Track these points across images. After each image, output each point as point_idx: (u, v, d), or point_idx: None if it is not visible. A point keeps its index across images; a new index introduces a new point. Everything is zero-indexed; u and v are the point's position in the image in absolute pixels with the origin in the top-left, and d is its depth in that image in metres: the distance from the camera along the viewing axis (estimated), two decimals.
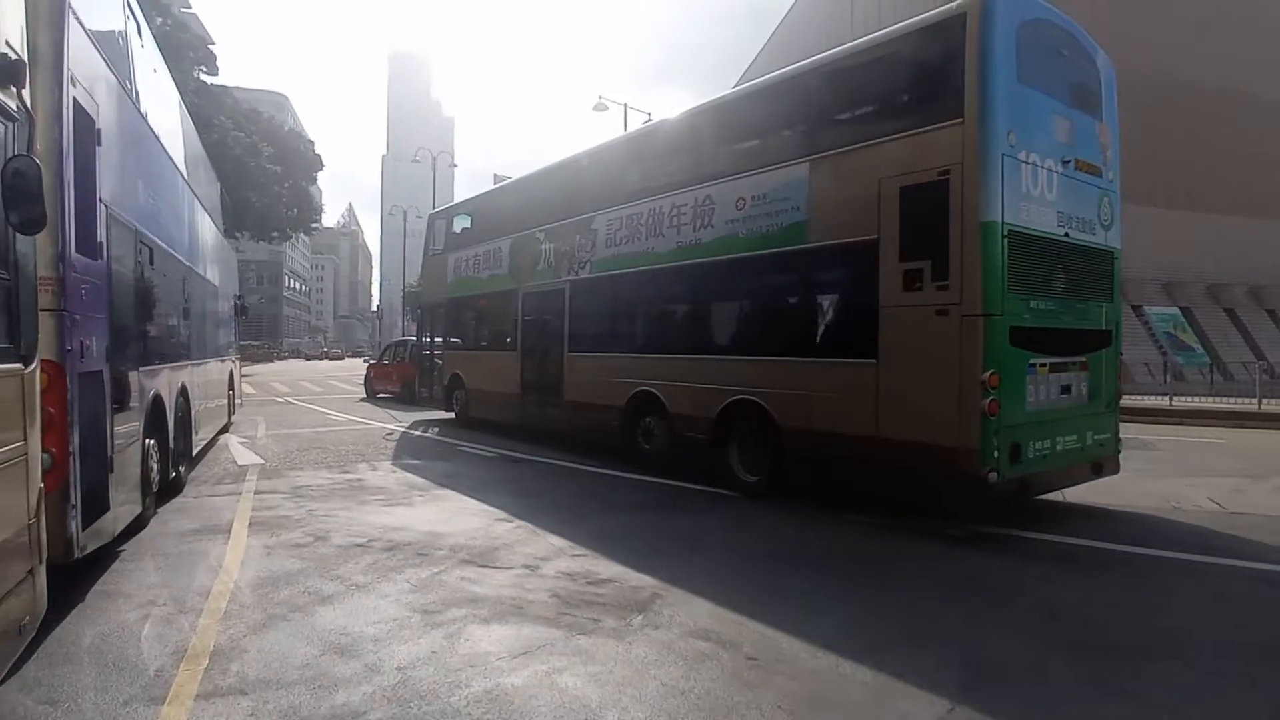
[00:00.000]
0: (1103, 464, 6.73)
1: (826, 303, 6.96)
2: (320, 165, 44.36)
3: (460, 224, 14.02)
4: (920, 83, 6.35)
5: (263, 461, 9.38)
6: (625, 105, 25.37)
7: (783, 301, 7.45)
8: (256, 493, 7.40)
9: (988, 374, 5.58)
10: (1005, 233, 5.69)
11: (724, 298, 8.17)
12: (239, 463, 9.28)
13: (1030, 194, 5.95)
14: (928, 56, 6.22)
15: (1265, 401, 15.16)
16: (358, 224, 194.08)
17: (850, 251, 6.50)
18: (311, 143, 44.51)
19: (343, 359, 74.49)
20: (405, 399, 18.59)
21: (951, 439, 5.70)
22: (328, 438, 11.78)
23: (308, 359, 71.78)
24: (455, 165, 40.69)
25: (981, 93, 5.70)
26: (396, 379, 19.35)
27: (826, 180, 6.77)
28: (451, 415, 13.92)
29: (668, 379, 8.39)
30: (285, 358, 71.55)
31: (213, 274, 10.40)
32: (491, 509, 6.72)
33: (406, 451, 10.44)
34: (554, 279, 10.49)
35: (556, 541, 5.61)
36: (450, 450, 10.57)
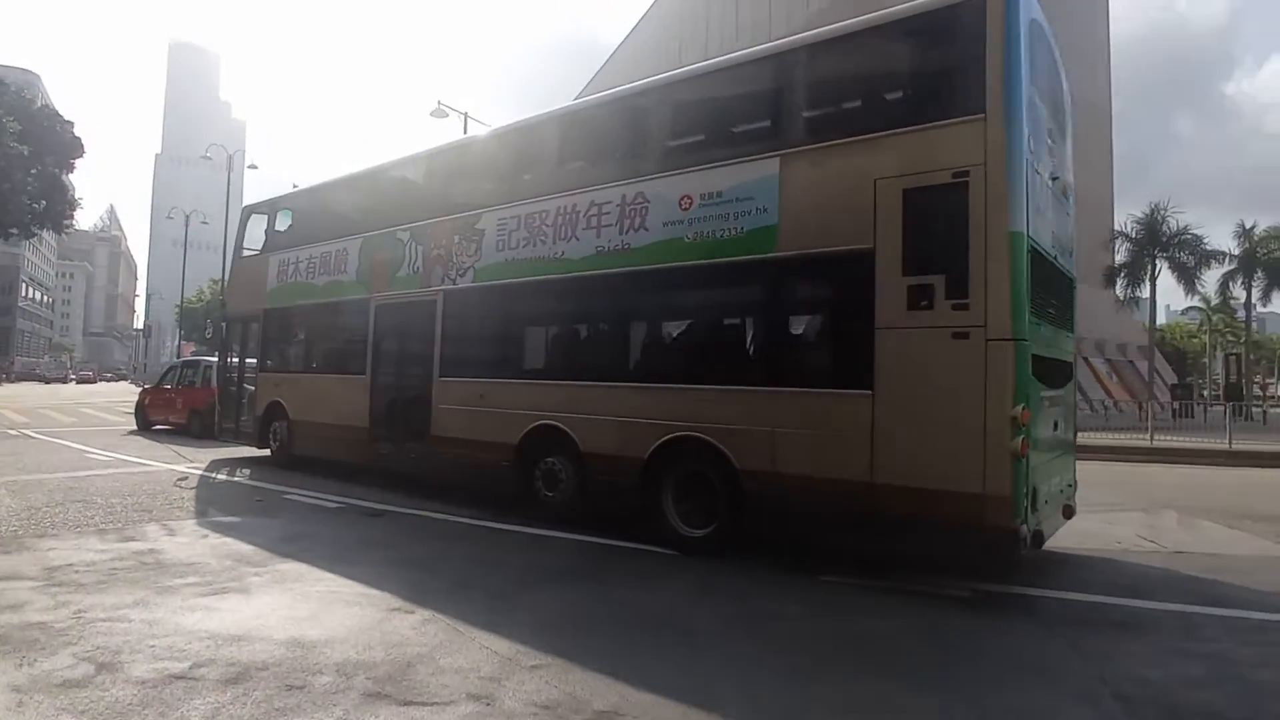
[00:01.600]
0: (1071, 507, 6.21)
1: (803, 322, 5.90)
2: (80, 150, 37.30)
3: (287, 220, 11.51)
4: (928, 71, 5.53)
5: None
6: (466, 115, 23.51)
7: (742, 319, 6.29)
8: None
9: (1019, 408, 4.74)
10: (1029, 247, 4.95)
11: (661, 314, 6.86)
12: None
13: (1039, 208, 5.29)
14: (939, 41, 5.42)
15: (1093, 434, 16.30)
16: (120, 229, 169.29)
17: (836, 263, 5.49)
18: (70, 124, 37.32)
19: (95, 382, 63.40)
20: (195, 432, 15.15)
21: (974, 485, 4.78)
22: (92, 485, 8.78)
23: (46, 382, 60.13)
24: (254, 166, 35.84)
25: (1006, 85, 4.95)
26: (182, 407, 15.77)
27: (803, 179, 5.73)
28: (266, 453, 11.22)
29: (580, 411, 6.86)
30: (15, 380, 59.46)
31: None
32: (373, 591, 4.79)
33: (214, 504, 7.90)
34: (422, 288, 8.57)
35: (494, 644, 3.89)
36: (277, 501, 8.17)
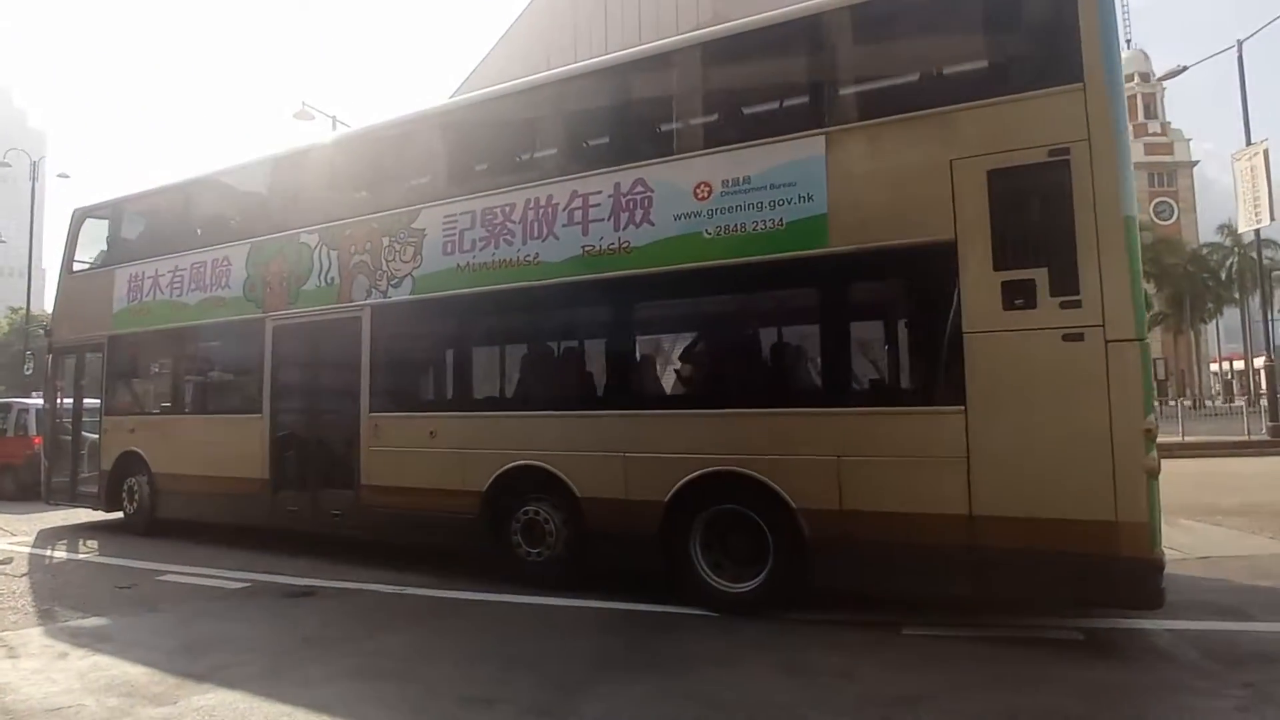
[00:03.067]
0: None
1: (869, 329, 5.00)
2: None
3: (138, 224, 9.30)
4: (1012, 34, 4.79)
5: None
6: (334, 118, 21.26)
7: (786, 328, 5.29)
8: None
9: (1150, 419, 4.06)
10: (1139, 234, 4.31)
11: (675, 326, 5.75)
12: None
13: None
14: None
15: None
16: None
17: (907, 259, 4.63)
18: None
19: None
20: (8, 493, 12.16)
21: (1104, 511, 4.03)
22: None
23: None
24: (65, 175, 30.96)
25: (1105, 49, 4.30)
26: None
27: (858, 161, 4.85)
28: (118, 516, 8.91)
29: (573, 447, 5.58)
30: None
31: None
32: None
33: (62, 597, 5.83)
34: (339, 303, 6.93)
35: None
36: (151, 585, 6.20)
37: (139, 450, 8.50)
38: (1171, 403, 28.03)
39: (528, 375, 6.15)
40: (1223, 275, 43.12)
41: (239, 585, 6.12)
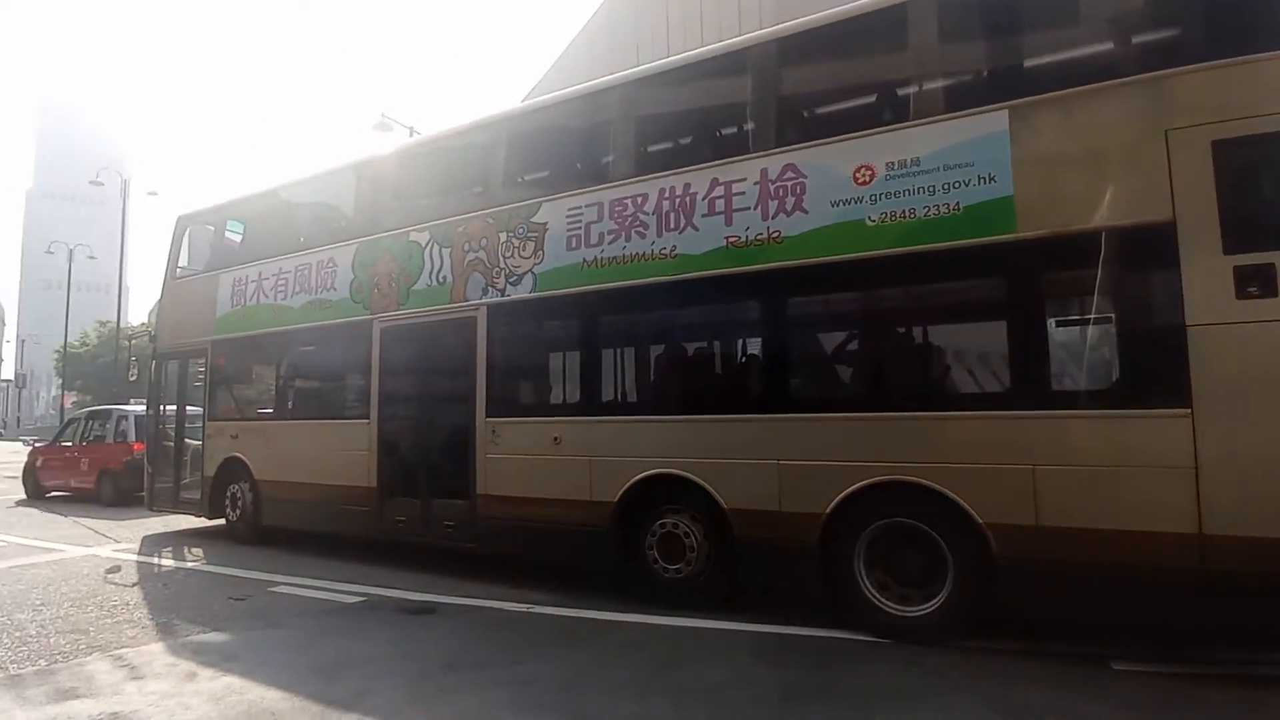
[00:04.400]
0: None
1: (1066, 323, 4.44)
2: None
3: (240, 229, 9.28)
4: None
5: None
6: (411, 129, 21.46)
7: (961, 323, 4.79)
8: None
9: None
10: None
11: (835, 321, 5.25)
12: None
13: None
14: None
15: None
16: None
17: (1114, 243, 4.06)
18: None
19: None
20: (107, 499, 12.35)
21: None
22: None
23: None
24: (155, 193, 32.18)
25: None
26: (89, 469, 12.84)
27: (1049, 135, 4.32)
28: (221, 524, 8.84)
29: (717, 454, 5.14)
30: None
31: None
32: None
33: (178, 609, 5.64)
34: (452, 303, 6.66)
35: None
36: (266, 597, 5.98)
37: (242, 456, 8.41)
38: None
39: (664, 376, 5.74)
40: None
41: (355, 599, 5.85)
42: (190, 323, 9.20)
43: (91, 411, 14.19)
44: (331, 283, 7.68)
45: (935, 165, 4.56)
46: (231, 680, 4.07)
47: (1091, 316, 4.31)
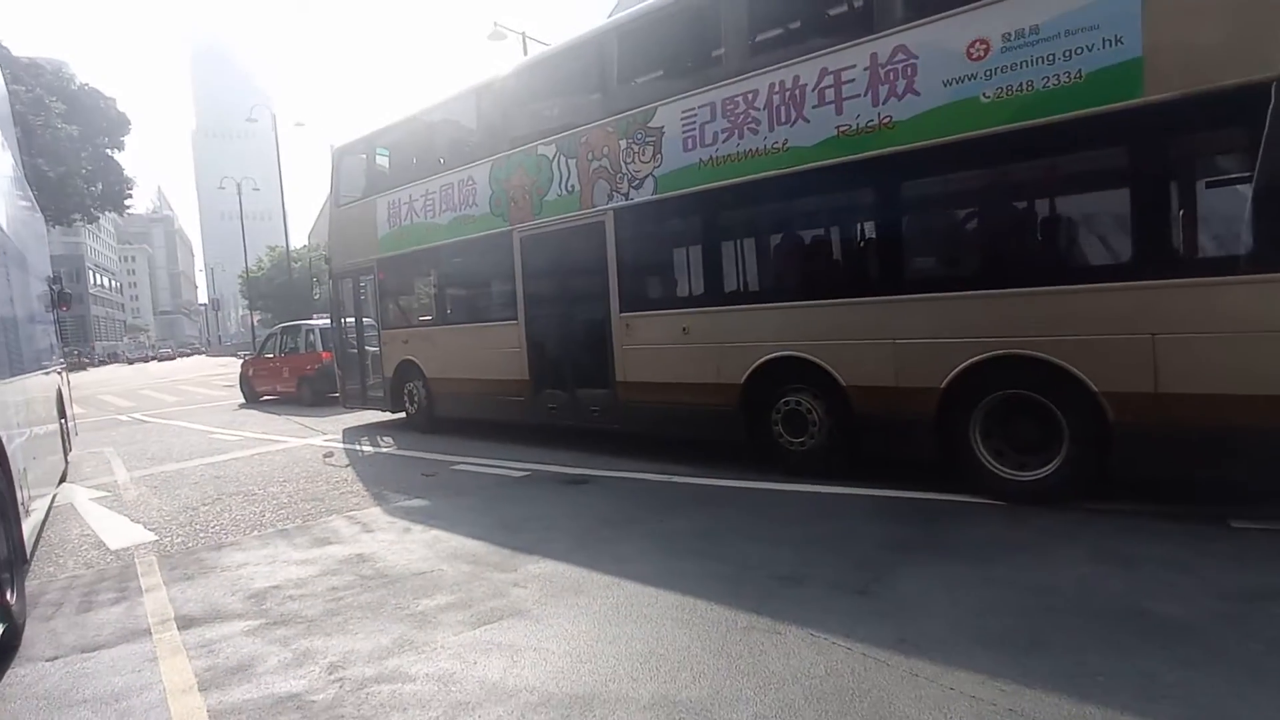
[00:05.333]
0: None
1: (1193, 189, 4.33)
2: (128, 126, 36.62)
3: (385, 156, 10.19)
4: None
5: (154, 536, 5.56)
6: (524, 35, 21.61)
7: (1086, 194, 4.77)
8: (182, 626, 3.79)
9: None
10: None
11: (948, 203, 5.36)
12: (110, 545, 5.41)
13: None
14: None
15: None
16: (170, 208, 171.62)
17: (1250, 98, 3.85)
18: (113, 100, 36.48)
19: (174, 359, 64.91)
20: (307, 400, 14.40)
21: None
22: (237, 472, 7.88)
23: (130, 363, 61.52)
24: (301, 124, 34.52)
25: None
26: (289, 375, 14.99)
27: None
28: (401, 417, 10.26)
29: (836, 336, 5.48)
30: (101, 364, 61.12)
31: (18, 241, 6.24)
32: (687, 598, 3.58)
33: (383, 482, 6.86)
34: (582, 210, 7.20)
35: (951, 679, 2.64)
36: (449, 473, 7.11)
37: (414, 359, 9.63)
38: None
39: (782, 266, 6.07)
40: None
41: (522, 473, 6.84)
42: (356, 244, 10.37)
43: (284, 326, 16.30)
44: (473, 199, 8.41)
45: (1057, 31, 4.43)
46: (438, 533, 5.08)
47: (1220, 181, 4.18)
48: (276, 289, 48.14)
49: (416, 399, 9.77)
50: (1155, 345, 4.19)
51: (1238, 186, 4.07)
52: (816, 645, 3.01)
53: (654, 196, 6.54)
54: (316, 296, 12.56)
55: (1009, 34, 4.59)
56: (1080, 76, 4.34)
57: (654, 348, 6.66)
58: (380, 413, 10.88)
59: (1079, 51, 4.34)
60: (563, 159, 7.35)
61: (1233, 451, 4.05)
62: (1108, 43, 4.25)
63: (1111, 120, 4.27)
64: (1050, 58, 4.44)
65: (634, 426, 7.07)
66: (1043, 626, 3.07)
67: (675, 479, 6.12)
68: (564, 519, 5.23)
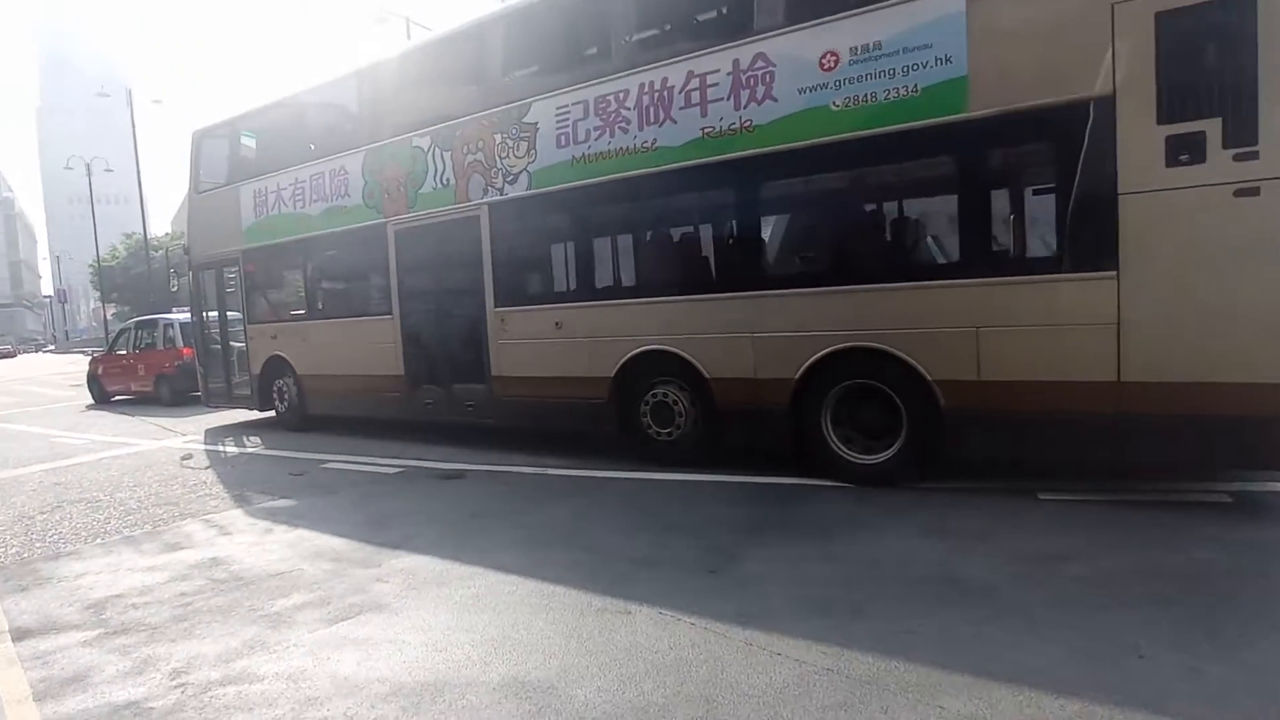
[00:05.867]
0: None
1: (1012, 196, 4.81)
2: None
3: (251, 141, 9.68)
4: None
5: None
6: (408, 20, 21.00)
7: (921, 199, 5.19)
8: (16, 639, 3.55)
9: None
10: None
11: (803, 204, 5.68)
12: None
13: None
14: None
15: None
16: (9, 189, 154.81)
17: (1057, 118, 4.36)
18: None
19: (14, 355, 58.72)
20: (166, 400, 13.46)
21: (1269, 373, 3.90)
22: (82, 477, 7.31)
23: None
24: (159, 101, 31.99)
25: None
26: (146, 373, 13.95)
27: (1003, 15, 4.52)
28: (271, 415, 9.80)
29: (700, 330, 5.72)
30: None
31: None
32: (547, 585, 3.68)
33: (247, 484, 6.56)
34: (457, 203, 7.13)
35: (780, 646, 2.87)
36: (320, 472, 6.89)
37: (283, 354, 9.22)
38: None
39: (651, 262, 6.25)
40: None
41: (395, 470, 6.72)
42: (219, 234, 9.80)
43: (139, 321, 15.14)
44: (345, 190, 8.15)
45: (896, 48, 4.80)
46: (302, 532, 4.94)
47: (1033, 189, 4.68)
48: (133, 280, 44.50)
49: (286, 396, 9.36)
50: (979, 337, 4.64)
51: (1050, 195, 4.58)
52: (663, 622, 3.18)
53: (528, 192, 6.58)
54: (174, 289, 11.71)
55: (856, 48, 4.94)
56: (916, 90, 4.74)
57: (528, 342, 6.71)
58: (247, 412, 10.34)
59: (915, 68, 4.74)
60: (438, 151, 7.25)
61: (1041, 432, 4.55)
62: (939, 61, 4.66)
63: (942, 132, 4.68)
64: (891, 72, 4.82)
65: (509, 421, 7.09)
66: (868, 595, 3.37)
67: (548, 471, 6.20)
68: (434, 514, 5.21)
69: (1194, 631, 2.85)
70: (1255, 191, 3.87)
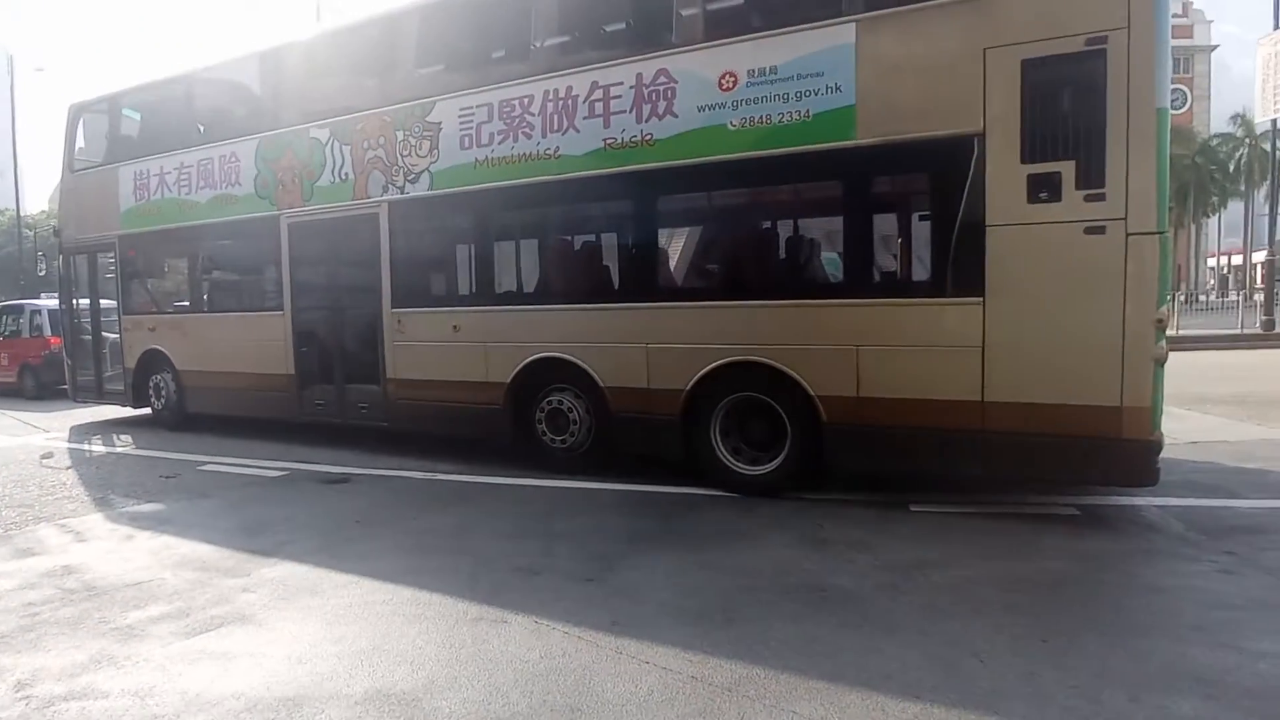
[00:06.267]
0: None
1: (892, 222, 5.09)
2: None
3: (134, 120, 9.09)
4: None
5: None
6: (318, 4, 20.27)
7: (810, 221, 5.37)
8: None
9: (1162, 310, 4.23)
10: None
11: (699, 219, 5.80)
12: None
13: None
14: None
15: None
16: None
17: (934, 151, 4.65)
18: None
19: None
20: (30, 393, 12.44)
21: (1110, 397, 4.27)
22: None
23: None
24: (42, 69, 29.45)
25: None
26: (9, 364, 12.83)
27: (889, 50, 4.77)
28: (146, 413, 9.19)
29: (596, 339, 5.76)
30: None
31: None
32: (424, 594, 3.61)
33: (112, 486, 6.14)
34: (355, 199, 6.92)
35: (646, 653, 2.92)
36: (195, 474, 6.52)
37: (161, 348, 8.68)
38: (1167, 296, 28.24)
39: (550, 269, 6.24)
40: (1230, 168, 42.37)
41: (278, 474, 6.44)
42: (94, 216, 9.14)
43: (3, 306, 13.92)
44: (236, 177, 7.76)
45: (791, 74, 4.99)
46: (166, 539, 4.67)
47: (911, 216, 4.96)
48: (3, 260, 40.83)
49: (164, 393, 8.81)
50: (858, 355, 4.87)
51: (927, 223, 4.86)
52: (537, 631, 3.19)
53: (430, 192, 6.45)
54: (41, 272, 10.83)
55: (753, 70, 5.10)
56: (808, 115, 4.94)
57: (425, 345, 6.58)
58: (121, 408, 9.65)
59: (808, 94, 4.94)
60: (337, 144, 7.01)
61: (915, 447, 4.82)
62: (830, 89, 4.87)
63: (831, 157, 4.90)
64: (786, 96, 5.00)
65: (403, 424, 6.92)
66: (740, 604, 3.47)
67: (439, 476, 6.09)
68: (314, 520, 5.03)
69: (1032, 637, 3.07)
70: (1101, 230, 4.23)
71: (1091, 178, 4.25)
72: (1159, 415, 4.31)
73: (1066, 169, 4.30)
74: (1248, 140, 40.33)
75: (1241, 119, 38.29)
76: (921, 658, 2.90)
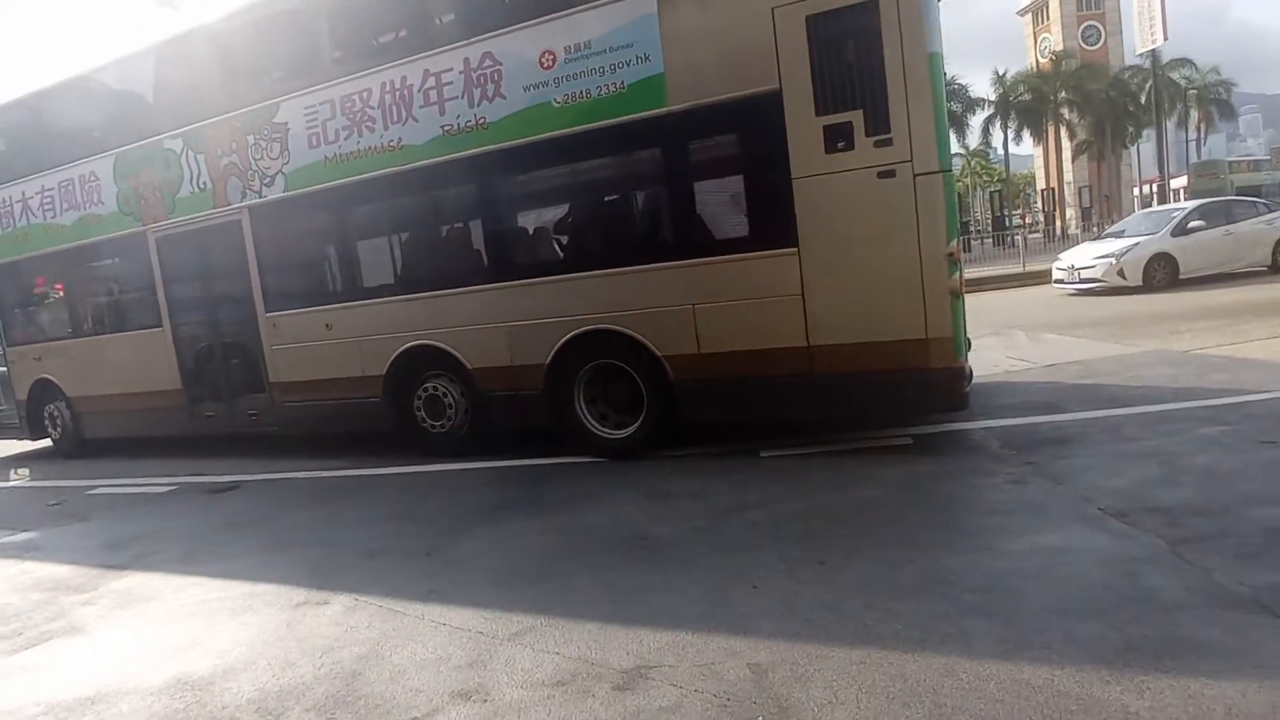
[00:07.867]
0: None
1: (710, 183, 5.25)
2: None
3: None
4: None
5: None
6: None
7: (637, 189, 5.52)
8: None
9: (953, 243, 4.50)
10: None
11: (537, 196, 5.92)
12: None
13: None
14: None
15: None
16: None
17: (738, 111, 4.82)
18: None
19: None
20: None
21: (916, 330, 4.54)
22: None
23: None
24: None
25: None
26: None
27: (688, 16, 4.91)
28: (48, 444, 9.08)
29: (459, 323, 5.86)
30: None
31: None
32: (263, 586, 3.76)
33: None
34: (215, 207, 6.88)
35: (449, 617, 3.12)
36: (82, 500, 6.51)
37: (50, 377, 8.55)
38: (1094, 227, 29.14)
39: (409, 259, 6.32)
40: (1142, 99, 43.54)
41: (167, 488, 6.48)
42: None
43: None
44: (98, 196, 7.64)
45: (604, 47, 5.11)
46: (26, 565, 4.73)
47: (727, 176, 5.15)
48: None
49: (60, 422, 8.70)
50: (695, 314, 5.07)
51: (741, 180, 5.05)
52: (354, 608, 3.35)
53: (286, 194, 6.45)
54: None
55: (570, 47, 5.21)
56: (623, 87, 5.07)
57: (301, 346, 6.62)
58: (20, 442, 9.50)
59: (621, 66, 5.06)
60: (191, 154, 6.95)
61: (755, 396, 5.05)
62: (639, 59, 5.00)
63: (647, 125, 5.04)
64: (601, 70, 5.12)
65: (292, 427, 6.97)
66: (560, 560, 3.68)
67: (325, 474, 6.20)
68: (186, 529, 5.12)
69: (811, 561, 3.32)
70: (892, 174, 4.46)
71: (879, 124, 4.47)
72: (961, 343, 4.60)
73: (856, 118, 4.51)
74: (1154, 72, 41.48)
75: (1149, 53, 39.41)
76: (702, 591, 3.13)
